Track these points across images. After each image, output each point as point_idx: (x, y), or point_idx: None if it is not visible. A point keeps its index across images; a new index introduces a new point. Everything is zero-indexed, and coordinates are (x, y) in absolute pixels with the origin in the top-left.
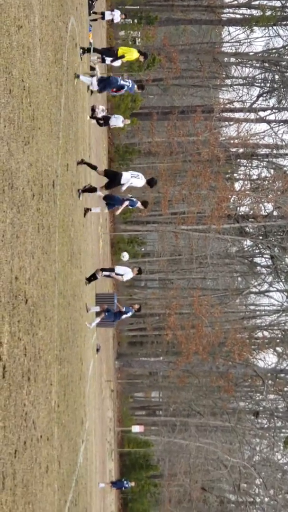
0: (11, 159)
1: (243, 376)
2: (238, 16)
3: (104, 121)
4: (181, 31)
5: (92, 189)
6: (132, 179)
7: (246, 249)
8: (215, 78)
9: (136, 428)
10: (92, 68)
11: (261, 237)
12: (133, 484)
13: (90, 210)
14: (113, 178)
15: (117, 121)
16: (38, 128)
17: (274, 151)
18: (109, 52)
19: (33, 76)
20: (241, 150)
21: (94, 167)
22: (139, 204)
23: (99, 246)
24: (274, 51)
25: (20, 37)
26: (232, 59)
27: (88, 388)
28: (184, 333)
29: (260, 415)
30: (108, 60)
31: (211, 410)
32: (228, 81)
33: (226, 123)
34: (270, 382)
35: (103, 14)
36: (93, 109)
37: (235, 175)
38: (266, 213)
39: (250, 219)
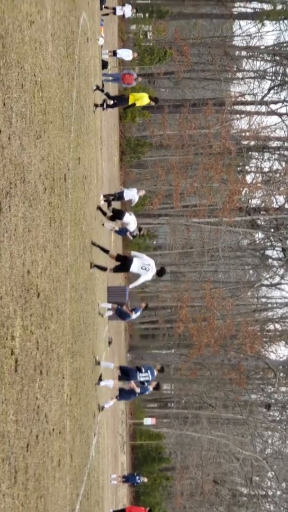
0: (23, 153)
1: (255, 369)
2: (249, 10)
3: (118, 196)
4: (192, 25)
5: (103, 268)
6: (142, 272)
7: (257, 241)
8: (226, 71)
9: (148, 421)
10: (105, 63)
11: (272, 230)
12: (145, 479)
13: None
14: (123, 263)
15: (132, 194)
16: (50, 122)
17: (286, 144)
18: (121, 99)
19: (45, 71)
20: (252, 143)
21: (106, 251)
22: (150, 388)
23: (110, 240)
24: (285, 44)
25: (32, 32)
26: (243, 53)
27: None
28: (195, 325)
29: (272, 407)
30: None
31: (223, 402)
32: (239, 74)
33: (238, 115)
34: (282, 374)
35: (114, 9)
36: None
37: (246, 167)
38: (278, 206)
39: (261, 212)
